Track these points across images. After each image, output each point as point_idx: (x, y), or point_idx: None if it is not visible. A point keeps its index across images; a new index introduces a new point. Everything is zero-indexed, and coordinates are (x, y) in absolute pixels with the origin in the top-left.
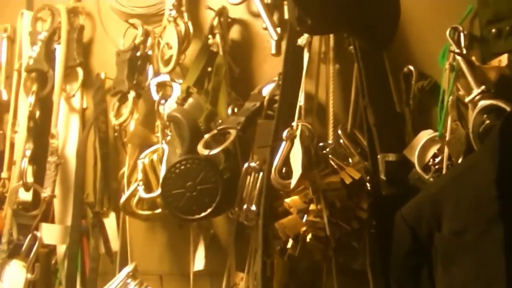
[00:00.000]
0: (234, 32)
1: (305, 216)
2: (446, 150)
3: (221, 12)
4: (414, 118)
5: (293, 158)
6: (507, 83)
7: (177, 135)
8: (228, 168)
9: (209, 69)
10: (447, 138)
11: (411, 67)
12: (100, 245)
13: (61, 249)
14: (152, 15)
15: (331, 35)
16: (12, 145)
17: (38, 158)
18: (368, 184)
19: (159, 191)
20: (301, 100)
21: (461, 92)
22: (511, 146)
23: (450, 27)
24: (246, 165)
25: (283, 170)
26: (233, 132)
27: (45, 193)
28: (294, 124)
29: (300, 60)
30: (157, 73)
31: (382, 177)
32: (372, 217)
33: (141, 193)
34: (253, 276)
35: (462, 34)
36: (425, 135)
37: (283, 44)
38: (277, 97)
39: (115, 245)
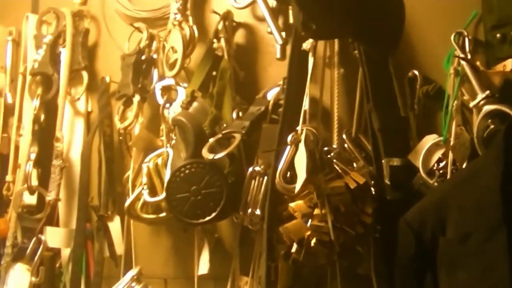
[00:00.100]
0: (239, 36)
1: (310, 220)
2: (450, 154)
3: (226, 16)
4: (419, 123)
5: (298, 163)
6: None
7: (181, 139)
8: (232, 172)
9: (214, 73)
10: (451, 143)
11: (416, 72)
12: (104, 248)
13: (66, 253)
14: (157, 19)
15: (336, 40)
16: (16, 149)
17: (43, 162)
18: (372, 189)
19: (163, 195)
20: (305, 105)
21: (466, 97)
22: None
23: (455, 32)
24: (250, 169)
25: (288, 175)
26: (237, 136)
27: (50, 197)
28: (298, 128)
29: (305, 64)
30: (162, 77)
31: (387, 181)
32: (377, 222)
33: (146, 197)
34: (258, 280)
35: (466, 39)
36: (429, 139)
37: (288, 49)
38: (281, 102)
39: (119, 248)
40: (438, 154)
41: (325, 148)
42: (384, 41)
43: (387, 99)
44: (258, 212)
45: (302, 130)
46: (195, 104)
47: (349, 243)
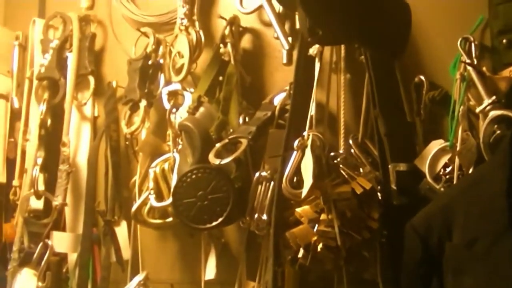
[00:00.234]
0: (246, 41)
1: (316, 225)
2: (457, 160)
3: (233, 21)
4: (425, 128)
5: (304, 168)
6: None
7: (188, 144)
8: (239, 178)
9: (221, 78)
10: (458, 148)
11: (422, 77)
12: (111, 253)
13: (72, 258)
14: (163, 24)
15: (342, 45)
16: (23, 153)
17: (50, 166)
18: (379, 194)
19: (170, 200)
20: (312, 110)
21: (472, 102)
22: None
23: (461, 37)
24: (257, 174)
25: (294, 180)
26: (244, 142)
27: (57, 201)
28: (305, 133)
29: (311, 69)
30: (168, 82)
31: (393, 187)
32: (383, 227)
33: (152, 201)
34: (264, 285)
35: (473, 45)
36: (436, 145)
37: (295, 54)
38: (288, 107)
39: (126, 253)
40: (445, 160)
41: (332, 153)
42: (391, 46)
43: (393, 104)
44: (264, 217)
45: (308, 135)
46: (201, 109)
47: (355, 248)
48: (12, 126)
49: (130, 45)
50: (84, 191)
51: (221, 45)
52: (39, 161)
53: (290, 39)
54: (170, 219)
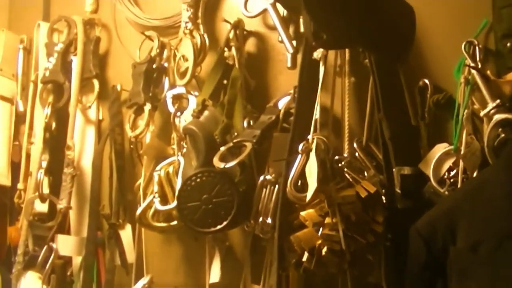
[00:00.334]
0: (250, 45)
1: (321, 229)
2: (461, 163)
3: (237, 25)
4: (429, 132)
5: (309, 172)
6: None
7: (192, 148)
8: (243, 181)
9: (225, 81)
10: (462, 152)
11: (427, 81)
12: (115, 256)
13: (77, 261)
14: (168, 27)
15: (347, 49)
16: (28, 156)
17: (54, 170)
18: (383, 198)
19: (174, 203)
20: (316, 113)
21: (476, 106)
22: None
23: (465, 41)
24: (261, 178)
25: (299, 183)
26: (248, 145)
27: (61, 205)
28: (309, 137)
29: (316, 73)
30: (173, 86)
31: (398, 190)
32: (388, 231)
33: (157, 205)
34: None
35: (477, 48)
36: (440, 148)
37: (299, 57)
38: (292, 110)
39: (130, 257)
40: (449, 163)
41: (336, 157)
42: (395, 50)
43: (397, 108)
44: (269, 220)
45: (313, 139)
46: (206, 112)
47: (360, 252)
48: (16, 129)
49: (135, 49)
50: (88, 194)
51: (226, 49)
52: (44, 164)
53: (294, 42)
54: (175, 222)
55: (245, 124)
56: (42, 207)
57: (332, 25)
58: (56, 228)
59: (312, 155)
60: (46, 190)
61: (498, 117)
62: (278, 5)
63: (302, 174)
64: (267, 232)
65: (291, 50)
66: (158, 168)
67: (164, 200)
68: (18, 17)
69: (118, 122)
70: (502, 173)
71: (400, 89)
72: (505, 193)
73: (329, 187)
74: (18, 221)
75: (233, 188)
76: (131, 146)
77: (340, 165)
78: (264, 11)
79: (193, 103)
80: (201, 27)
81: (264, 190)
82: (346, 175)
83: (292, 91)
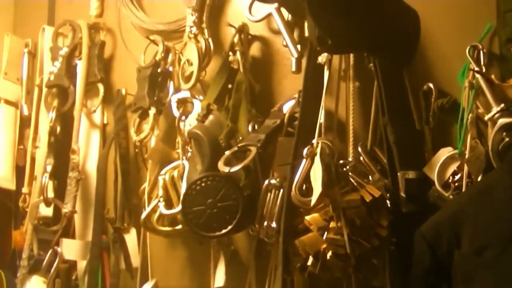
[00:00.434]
0: (255, 49)
1: (325, 233)
2: (465, 167)
3: (242, 29)
4: (434, 136)
5: (313, 176)
6: None
7: (197, 152)
8: (248, 185)
9: (230, 86)
10: (466, 156)
11: (431, 85)
12: (120, 260)
13: (82, 265)
14: (173, 32)
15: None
16: (33, 161)
17: (59, 174)
18: (388, 202)
19: (179, 207)
20: (321, 118)
21: (481, 110)
22: None
23: (470, 45)
24: (266, 182)
25: (303, 188)
26: (253, 149)
27: (66, 209)
28: (314, 141)
29: (320, 77)
30: (177, 90)
31: (402, 194)
32: (392, 235)
33: (162, 209)
34: None
35: (481, 52)
36: (444, 152)
37: (304, 62)
38: (297, 115)
39: (135, 261)
40: (453, 167)
41: (341, 161)
42: (399, 54)
43: (402, 112)
44: (274, 225)
45: (317, 143)
46: (210, 117)
47: (364, 256)
48: (21, 134)
49: (139, 53)
50: (93, 198)
51: (230, 53)
52: (49, 168)
53: (299, 47)
54: (180, 226)
55: (250, 128)
56: (47, 211)
57: (337, 30)
58: (61, 232)
59: (317, 159)
60: (51, 194)
61: (502, 121)
62: (283, 10)
63: (306, 179)
64: (272, 236)
65: (295, 55)
66: (163, 172)
67: (169, 204)
68: (23, 21)
69: (123, 126)
70: (507, 177)
71: (404, 93)
72: (509, 197)
73: (334, 192)
74: (23, 225)
75: (238, 192)
76: (136, 150)
77: (344, 169)
78: (269, 15)
79: (198, 107)
80: (205, 31)
81: (269, 194)
82: (351, 179)
83: (296, 96)
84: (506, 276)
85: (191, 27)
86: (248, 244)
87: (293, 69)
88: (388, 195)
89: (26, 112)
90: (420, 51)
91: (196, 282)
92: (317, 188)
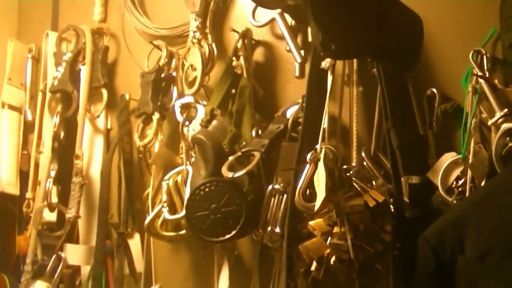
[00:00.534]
0: (258, 54)
1: (329, 238)
2: (469, 172)
3: (245, 34)
4: (437, 141)
5: (317, 181)
6: None
7: (201, 157)
8: (252, 190)
9: (233, 91)
10: (470, 161)
11: (434, 90)
12: (124, 266)
13: (86, 270)
14: (176, 37)
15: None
16: (36, 166)
17: (63, 179)
18: (391, 207)
19: (183, 212)
20: (324, 123)
21: (484, 115)
22: None
23: (473, 50)
24: (270, 187)
25: (307, 193)
26: (257, 155)
27: (70, 214)
28: (318, 146)
29: (324, 82)
30: (181, 95)
31: (406, 199)
32: (396, 240)
33: (166, 214)
34: None
35: (485, 57)
36: (448, 157)
37: (307, 67)
38: (301, 120)
39: (139, 266)
40: (457, 172)
41: (344, 166)
42: (403, 59)
43: (405, 117)
44: (277, 230)
45: (321, 148)
46: (214, 122)
47: (368, 261)
48: (25, 139)
49: (143, 58)
50: (97, 204)
51: (234, 58)
52: (53, 173)
53: (302, 52)
54: (183, 231)
55: (254, 133)
56: (50, 216)
57: (340, 35)
58: (64, 237)
59: (321, 164)
60: (54, 199)
61: (506, 126)
62: (286, 15)
63: (310, 184)
64: (276, 241)
65: (299, 60)
66: (166, 177)
67: (173, 209)
68: (26, 26)
69: (126, 131)
70: (510, 182)
71: (408, 98)
72: None
73: (338, 197)
74: (26, 230)
75: (242, 197)
76: (140, 155)
77: (348, 174)
78: (272, 20)
79: (201, 112)
80: (209, 36)
81: (273, 199)
82: (355, 184)
83: (300, 100)
84: (510, 281)
85: (194, 32)
86: (252, 249)
87: (297, 74)
88: (391, 200)
89: (30, 117)
90: (423, 56)
91: (200, 287)
92: (320, 193)
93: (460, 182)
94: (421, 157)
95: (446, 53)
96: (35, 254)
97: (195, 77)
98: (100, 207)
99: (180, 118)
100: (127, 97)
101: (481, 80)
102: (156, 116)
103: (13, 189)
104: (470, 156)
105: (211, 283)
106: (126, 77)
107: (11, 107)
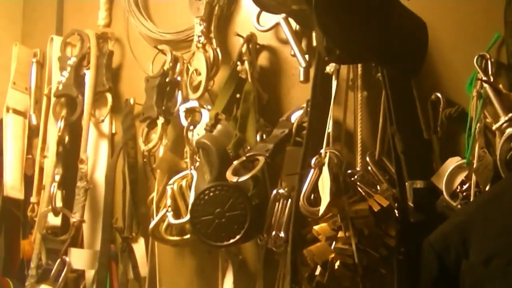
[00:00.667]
0: (263, 59)
1: (334, 243)
2: (473, 177)
3: (250, 39)
4: (442, 145)
5: (322, 186)
6: None
7: (206, 162)
8: (256, 195)
9: (238, 95)
10: (474, 165)
11: (439, 95)
12: (129, 270)
13: (90, 274)
14: (181, 41)
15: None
16: (41, 170)
17: (67, 183)
18: (396, 211)
19: (188, 217)
20: (329, 127)
21: (489, 120)
22: None
23: (478, 54)
24: (274, 192)
25: (312, 197)
26: (261, 159)
27: (74, 218)
28: (322, 151)
29: (328, 87)
30: (186, 99)
31: (410, 204)
32: (400, 244)
33: (170, 219)
34: None
35: (489, 62)
36: (452, 162)
37: (312, 71)
38: (305, 124)
39: (144, 270)
40: (461, 177)
41: (349, 171)
42: (407, 64)
43: (410, 121)
44: (282, 234)
45: (325, 153)
46: (219, 126)
47: (372, 266)
48: (30, 143)
49: (148, 63)
50: (101, 208)
51: (238, 63)
52: (57, 177)
53: (307, 56)
54: (188, 236)
55: (258, 138)
56: (55, 221)
57: (345, 40)
58: (69, 242)
59: (325, 169)
60: (59, 203)
61: (510, 130)
62: (291, 20)
63: (315, 188)
64: (280, 246)
65: (303, 64)
66: (171, 181)
67: (177, 214)
68: (31, 31)
69: (131, 135)
70: None
71: (412, 103)
72: None
73: (342, 201)
74: (31, 234)
75: (246, 202)
76: (144, 160)
77: (352, 179)
78: (277, 25)
79: (206, 117)
80: (213, 41)
81: (277, 204)
82: (359, 189)
83: (304, 105)
84: None
85: (199, 36)
86: (256, 254)
87: (301, 78)
88: (396, 204)
89: (34, 122)
90: (428, 60)
91: None
92: (325, 198)
93: (465, 187)
94: (426, 161)
95: (450, 57)
96: (40, 258)
97: (200, 82)
98: (104, 212)
99: (184, 122)
100: (131, 101)
101: (485, 85)
102: (160, 120)
103: (18, 194)
104: (475, 161)
105: (216, 287)
106: (131, 82)
107: (16, 112)
